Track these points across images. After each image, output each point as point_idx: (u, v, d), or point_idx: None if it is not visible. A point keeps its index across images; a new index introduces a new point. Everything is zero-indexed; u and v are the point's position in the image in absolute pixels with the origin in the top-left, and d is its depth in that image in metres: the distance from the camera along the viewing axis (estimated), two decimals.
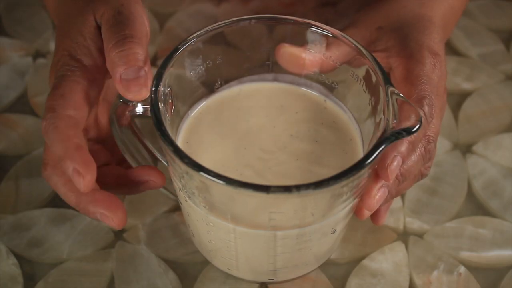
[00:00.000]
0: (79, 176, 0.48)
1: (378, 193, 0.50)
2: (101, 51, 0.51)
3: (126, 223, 0.51)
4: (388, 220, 0.59)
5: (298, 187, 0.44)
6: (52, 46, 0.70)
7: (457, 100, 0.68)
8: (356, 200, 0.50)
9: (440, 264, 0.57)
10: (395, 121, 0.47)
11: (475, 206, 0.61)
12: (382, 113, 0.49)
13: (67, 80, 0.50)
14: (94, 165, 0.48)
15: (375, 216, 0.57)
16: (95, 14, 0.52)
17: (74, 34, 0.52)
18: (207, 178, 0.44)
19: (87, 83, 0.50)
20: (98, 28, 0.52)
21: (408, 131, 0.46)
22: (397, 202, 0.60)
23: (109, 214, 0.50)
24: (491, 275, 0.57)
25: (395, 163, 0.49)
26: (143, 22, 0.51)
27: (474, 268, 0.57)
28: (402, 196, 0.61)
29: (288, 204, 0.46)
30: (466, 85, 0.69)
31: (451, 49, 0.72)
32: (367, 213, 0.52)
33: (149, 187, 0.52)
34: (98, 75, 0.52)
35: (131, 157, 0.54)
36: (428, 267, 0.57)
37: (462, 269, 0.57)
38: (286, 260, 0.51)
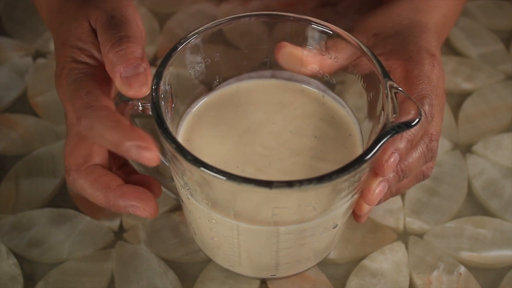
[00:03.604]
0: (145, 150, 0.47)
1: (378, 188, 0.51)
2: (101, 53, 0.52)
3: (158, 212, 0.52)
4: (388, 220, 0.59)
5: (301, 182, 0.44)
6: (52, 46, 0.70)
7: (457, 100, 0.68)
8: (357, 194, 0.50)
9: (440, 264, 0.57)
10: (394, 115, 0.47)
11: (475, 206, 0.61)
12: (381, 108, 0.49)
13: (84, 79, 0.50)
14: (151, 138, 0.48)
15: (356, 214, 0.56)
16: (89, 20, 0.52)
17: (73, 40, 0.52)
18: (210, 174, 0.45)
19: (101, 80, 0.51)
20: (94, 31, 0.52)
21: (408, 125, 0.46)
22: (397, 202, 0.60)
23: (140, 205, 0.51)
24: (491, 275, 0.57)
25: (392, 159, 0.49)
26: (137, 23, 0.52)
27: (474, 268, 0.57)
28: (402, 196, 0.61)
29: (291, 199, 0.46)
30: (466, 85, 0.69)
31: (451, 49, 0.72)
32: (366, 208, 0.52)
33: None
34: (106, 73, 0.52)
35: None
36: (428, 267, 0.57)
37: (462, 269, 0.57)
38: (288, 256, 0.51)
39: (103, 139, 0.48)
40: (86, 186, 0.52)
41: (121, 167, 0.56)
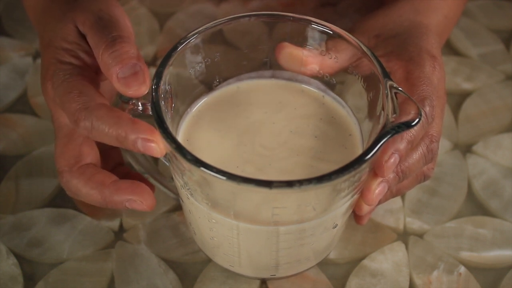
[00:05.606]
0: (150, 142, 0.47)
1: (377, 188, 0.51)
2: (87, 53, 0.52)
3: (155, 204, 0.51)
4: (388, 220, 0.59)
5: (300, 182, 0.44)
6: None
7: (457, 100, 0.68)
8: (357, 195, 0.50)
9: (440, 264, 0.57)
10: (394, 115, 0.47)
11: (475, 206, 0.61)
12: (381, 108, 0.49)
13: (72, 80, 0.50)
14: (155, 129, 0.48)
15: (357, 216, 0.56)
16: (76, 22, 0.52)
17: (58, 41, 0.52)
18: (210, 174, 0.45)
19: (88, 80, 0.51)
20: (80, 33, 0.52)
21: (408, 125, 0.47)
22: (397, 202, 0.60)
23: (136, 198, 0.51)
24: (491, 275, 0.57)
25: (391, 160, 0.49)
26: (126, 23, 0.52)
27: (474, 268, 0.57)
28: (402, 196, 0.61)
29: (291, 199, 0.46)
30: (466, 85, 0.69)
31: (451, 49, 0.72)
32: (366, 208, 0.52)
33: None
34: (92, 73, 0.52)
35: (132, 157, 0.54)
36: (428, 267, 0.57)
37: (462, 269, 0.57)
38: (288, 256, 0.51)
39: (107, 137, 0.48)
40: (80, 186, 0.51)
41: (114, 169, 0.56)
